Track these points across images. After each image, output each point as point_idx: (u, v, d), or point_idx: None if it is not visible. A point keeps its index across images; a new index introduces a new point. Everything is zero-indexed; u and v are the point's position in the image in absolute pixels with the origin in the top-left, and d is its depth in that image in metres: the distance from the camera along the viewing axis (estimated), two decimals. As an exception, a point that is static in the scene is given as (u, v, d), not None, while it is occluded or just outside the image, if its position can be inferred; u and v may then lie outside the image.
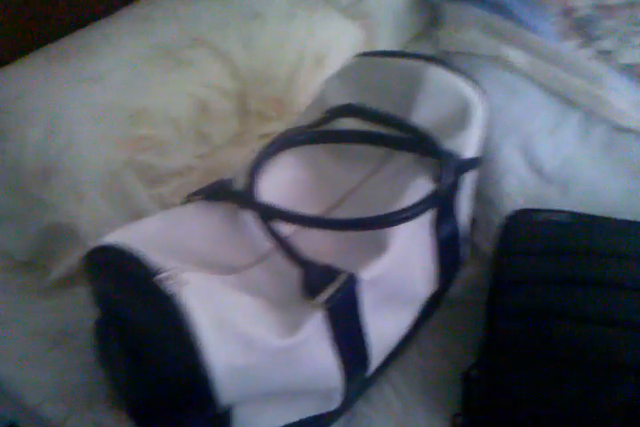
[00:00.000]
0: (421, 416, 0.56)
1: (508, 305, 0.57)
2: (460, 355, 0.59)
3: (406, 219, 0.48)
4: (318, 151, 0.59)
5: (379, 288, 0.48)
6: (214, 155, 0.72)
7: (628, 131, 0.85)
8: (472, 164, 0.57)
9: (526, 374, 0.52)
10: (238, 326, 0.40)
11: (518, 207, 0.72)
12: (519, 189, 0.77)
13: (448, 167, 0.53)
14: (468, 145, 0.57)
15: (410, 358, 0.61)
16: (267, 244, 0.48)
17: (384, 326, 0.50)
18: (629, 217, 0.69)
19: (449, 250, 0.58)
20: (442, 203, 0.54)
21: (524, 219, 0.68)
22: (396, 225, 0.47)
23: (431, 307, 0.59)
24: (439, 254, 0.56)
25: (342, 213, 0.54)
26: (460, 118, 0.59)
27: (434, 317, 0.62)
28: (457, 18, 1.02)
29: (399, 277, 0.50)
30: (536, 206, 0.72)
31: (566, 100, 0.88)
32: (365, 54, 0.69)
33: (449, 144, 0.56)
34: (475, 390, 0.54)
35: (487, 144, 0.82)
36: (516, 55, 0.92)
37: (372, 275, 0.46)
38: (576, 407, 0.50)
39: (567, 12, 1.14)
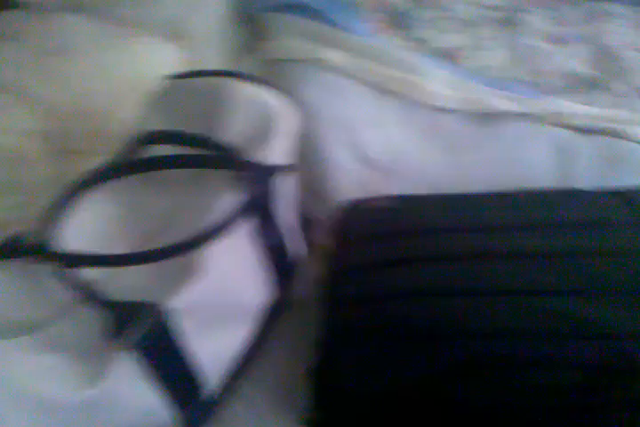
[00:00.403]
0: (277, 422, 0.57)
1: (342, 294, 0.60)
2: (312, 354, 0.60)
3: (211, 238, 0.48)
4: (129, 183, 0.58)
5: (200, 312, 0.48)
6: (35, 202, 0.69)
7: (446, 111, 0.90)
8: (280, 170, 0.58)
9: (366, 360, 0.54)
10: (28, 390, 0.39)
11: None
12: (352, 183, 0.80)
13: (252, 178, 0.54)
14: (275, 153, 0.59)
15: (260, 367, 0.61)
16: (69, 294, 0.47)
17: (217, 346, 0.51)
18: (454, 190, 0.73)
19: (278, 256, 0.59)
20: (259, 212, 0.55)
21: (355, 209, 0.71)
22: (200, 247, 0.48)
23: (275, 313, 0.60)
24: (268, 262, 0.58)
25: (160, 243, 0.54)
26: (265, 128, 0.60)
27: (283, 321, 0.63)
28: (277, 27, 1.04)
29: (222, 295, 0.50)
30: (369, 196, 0.75)
31: (386, 91, 0.93)
32: (171, 77, 0.69)
33: (256, 155, 0.58)
34: (319, 385, 0.55)
35: (315, 144, 0.86)
36: (333, 56, 0.96)
37: (186, 301, 0.46)
38: (412, 385, 0.52)
39: (383, 8, 1.20)
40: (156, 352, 0.44)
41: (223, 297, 0.51)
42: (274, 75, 1.00)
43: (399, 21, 1.17)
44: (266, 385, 0.60)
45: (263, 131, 0.60)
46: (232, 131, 0.60)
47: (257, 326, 0.57)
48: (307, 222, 0.74)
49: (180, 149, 0.60)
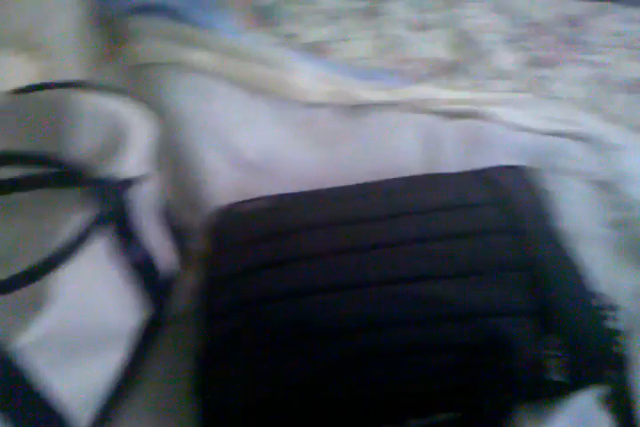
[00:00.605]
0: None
1: (217, 303, 0.58)
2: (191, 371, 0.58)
3: (58, 264, 0.45)
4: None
5: (56, 345, 0.45)
6: None
7: (318, 105, 0.91)
8: (136, 182, 0.56)
9: (244, 370, 0.53)
10: None
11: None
12: (227, 187, 0.79)
13: (103, 193, 0.51)
14: (128, 165, 0.56)
15: (142, 390, 0.58)
16: None
17: (84, 377, 0.49)
18: (332, 184, 0.72)
19: (146, 272, 0.56)
20: (116, 228, 0.53)
21: (230, 214, 0.70)
22: (46, 275, 0.45)
23: (151, 331, 0.57)
24: (135, 281, 0.55)
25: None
26: (116, 140, 0.58)
27: (162, 338, 0.61)
28: (137, 30, 1.01)
29: (80, 323, 0.48)
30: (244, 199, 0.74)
31: (256, 90, 0.92)
32: (12, 92, 0.65)
33: (108, 169, 0.55)
34: (202, 401, 0.54)
35: (186, 149, 0.83)
36: (198, 57, 0.93)
37: (36, 335, 0.43)
38: (291, 390, 0.52)
39: (249, 4, 1.18)
40: (4, 396, 0.41)
41: (82, 325, 0.48)
42: (138, 80, 0.97)
43: (267, 17, 1.15)
44: (149, 408, 0.58)
45: (113, 143, 0.57)
46: (78, 145, 0.57)
47: (131, 349, 0.54)
48: (184, 231, 0.72)
49: (23, 171, 0.57)
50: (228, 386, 0.53)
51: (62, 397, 0.46)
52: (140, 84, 0.96)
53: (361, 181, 0.71)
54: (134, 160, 0.58)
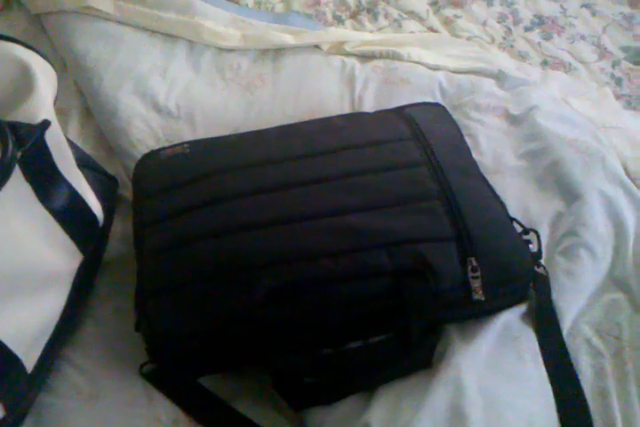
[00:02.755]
0: (112, 382, 0.56)
1: (147, 246, 0.58)
2: (133, 310, 0.59)
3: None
4: None
5: None
6: None
7: (232, 50, 0.89)
8: (46, 126, 0.53)
9: (180, 305, 0.54)
10: None
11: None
12: (149, 133, 0.78)
13: (10, 138, 0.49)
14: (40, 108, 0.54)
15: (86, 330, 0.60)
16: None
17: (18, 317, 0.48)
18: (253, 128, 0.72)
19: (77, 215, 0.56)
20: (34, 173, 0.51)
21: (151, 160, 0.68)
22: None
23: (90, 274, 0.57)
24: (66, 224, 0.54)
25: None
26: (22, 85, 0.55)
27: (102, 280, 0.62)
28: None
29: (6, 264, 0.47)
30: (166, 145, 0.72)
31: (167, 36, 0.89)
32: None
33: (16, 114, 0.52)
34: (144, 337, 0.54)
35: (103, 98, 0.80)
36: (101, 3, 0.89)
37: None
38: (230, 318, 0.53)
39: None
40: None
41: (8, 265, 0.47)
42: (44, 29, 0.92)
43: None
44: (94, 348, 0.59)
45: (19, 89, 0.55)
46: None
47: (69, 292, 0.54)
48: (112, 179, 0.71)
49: None
50: (165, 319, 0.53)
51: (0, 338, 0.45)
52: (47, 32, 0.91)
53: (281, 124, 0.71)
54: (41, 106, 0.55)
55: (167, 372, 0.57)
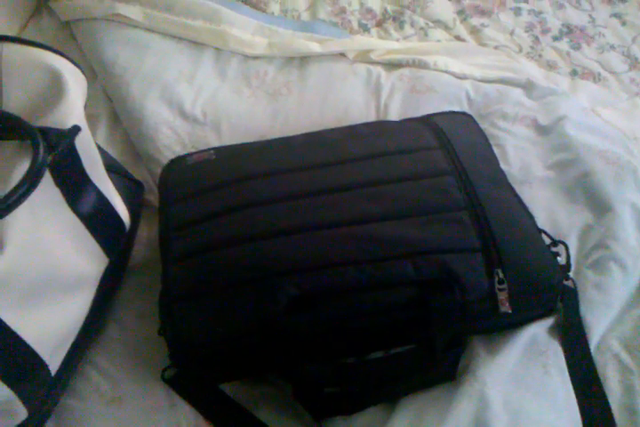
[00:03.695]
0: (134, 386, 0.56)
1: (173, 251, 0.58)
2: (157, 314, 0.59)
3: (3, 213, 0.44)
4: None
5: (12, 287, 0.44)
6: None
7: (258, 57, 0.89)
8: (76, 132, 0.54)
9: (203, 311, 0.54)
10: None
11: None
12: (175, 139, 0.78)
13: (47, 144, 0.50)
14: (71, 114, 0.55)
15: (110, 334, 0.60)
16: None
17: (45, 320, 0.48)
18: (279, 135, 0.72)
19: (104, 220, 0.56)
20: (65, 178, 0.52)
21: (177, 166, 0.69)
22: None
23: (116, 278, 0.57)
24: (93, 228, 0.55)
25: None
26: (53, 91, 0.56)
27: (126, 285, 0.62)
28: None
29: (36, 266, 0.47)
30: (192, 151, 0.73)
31: (194, 44, 0.90)
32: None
33: (47, 120, 0.53)
34: (168, 342, 0.54)
35: (131, 104, 0.81)
36: (131, 11, 0.90)
37: None
38: (253, 325, 0.52)
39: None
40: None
41: (37, 269, 0.47)
42: (74, 35, 0.93)
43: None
44: (117, 351, 0.59)
45: (50, 95, 0.55)
46: (16, 98, 0.55)
47: (95, 296, 0.55)
48: (138, 184, 0.71)
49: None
50: (190, 325, 0.53)
51: (27, 341, 0.46)
52: (75, 39, 0.92)
53: (307, 131, 0.71)
54: (71, 111, 0.56)
55: (189, 377, 0.57)
